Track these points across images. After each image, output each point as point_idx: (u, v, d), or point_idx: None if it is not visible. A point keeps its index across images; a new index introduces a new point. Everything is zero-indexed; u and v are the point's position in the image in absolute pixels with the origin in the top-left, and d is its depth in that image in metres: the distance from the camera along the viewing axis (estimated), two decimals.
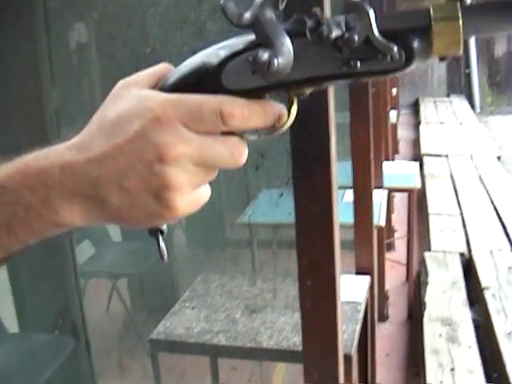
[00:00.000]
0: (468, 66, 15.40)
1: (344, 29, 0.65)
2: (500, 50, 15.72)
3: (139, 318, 4.74)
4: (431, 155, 9.35)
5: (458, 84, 15.59)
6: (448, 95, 15.19)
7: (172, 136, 0.62)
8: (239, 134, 0.66)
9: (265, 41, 0.65)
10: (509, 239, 5.83)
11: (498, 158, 9.37)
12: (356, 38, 0.64)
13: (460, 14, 0.65)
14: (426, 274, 5.16)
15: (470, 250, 5.62)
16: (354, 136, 3.73)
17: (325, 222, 1.76)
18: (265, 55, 0.64)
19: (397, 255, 6.29)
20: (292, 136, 1.73)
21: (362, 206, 3.70)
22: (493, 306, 4.58)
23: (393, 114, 8.92)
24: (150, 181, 0.62)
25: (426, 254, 5.59)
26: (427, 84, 15.29)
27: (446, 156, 9.28)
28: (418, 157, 9.48)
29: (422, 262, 5.48)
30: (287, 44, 0.65)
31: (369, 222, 3.78)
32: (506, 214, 6.53)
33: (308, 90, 0.69)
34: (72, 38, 4.07)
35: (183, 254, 5.21)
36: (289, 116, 0.69)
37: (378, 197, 4.91)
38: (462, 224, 6.34)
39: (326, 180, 1.69)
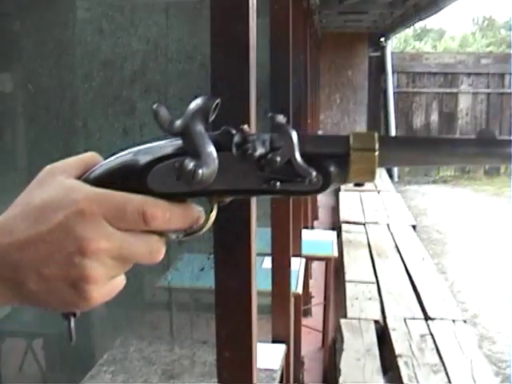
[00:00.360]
0: None
1: (268, 148, 0.70)
2: (418, 122, 16.34)
3: (55, 381, 4.65)
4: (349, 223, 9.58)
5: None
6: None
7: (94, 230, 0.65)
8: (159, 232, 0.69)
9: (192, 150, 0.69)
10: (422, 308, 6.01)
11: (414, 227, 9.68)
12: (278, 159, 0.69)
13: (377, 147, 0.71)
14: (342, 341, 5.27)
15: (384, 318, 5.77)
16: (275, 206, 3.84)
17: (243, 298, 1.83)
18: (190, 164, 0.68)
19: (313, 321, 6.38)
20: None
21: (280, 273, 3.78)
22: (405, 373, 4.70)
23: None
24: (68, 271, 0.65)
25: (342, 321, 5.71)
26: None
27: (364, 224, 9.53)
28: (336, 223, 9.70)
29: (338, 329, 5.59)
30: (213, 155, 0.69)
31: (286, 289, 3.86)
32: (420, 282, 6.74)
33: (228, 199, 0.75)
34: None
35: (102, 315, 5.17)
36: (208, 220, 0.73)
37: (296, 264, 5.00)
38: (377, 292, 6.51)
39: (246, 258, 1.77)
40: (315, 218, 9.99)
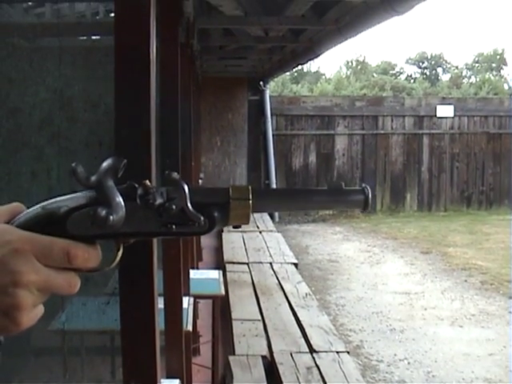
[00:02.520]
0: (268, 177, 16.25)
1: (165, 199, 0.87)
2: (297, 163, 16.77)
3: None
4: (233, 263, 9.72)
5: None
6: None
7: (26, 266, 0.78)
8: (76, 269, 0.84)
9: (104, 200, 0.84)
10: (307, 341, 6.20)
11: (295, 264, 9.93)
12: (174, 207, 0.87)
13: (250, 197, 0.91)
14: (231, 377, 5.37)
15: (271, 353, 5.92)
16: (166, 247, 3.94)
17: (147, 328, 1.93)
18: (103, 212, 0.83)
19: (202, 359, 6.45)
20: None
21: (172, 312, 3.88)
22: None
23: None
24: (2, 300, 0.77)
25: (230, 358, 5.81)
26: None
27: (248, 263, 9.70)
28: (221, 264, 9.82)
29: (227, 366, 5.68)
30: (121, 205, 0.85)
31: (178, 327, 3.95)
32: (304, 317, 6.95)
33: (132, 240, 0.91)
34: None
35: None
36: (115, 260, 0.89)
37: (185, 303, 5.11)
38: (263, 328, 6.66)
39: (150, 290, 1.89)
40: (200, 259, 10.08)
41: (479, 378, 6.74)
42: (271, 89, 18.24)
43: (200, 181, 11.55)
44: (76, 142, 3.49)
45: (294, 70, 23.73)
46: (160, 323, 3.81)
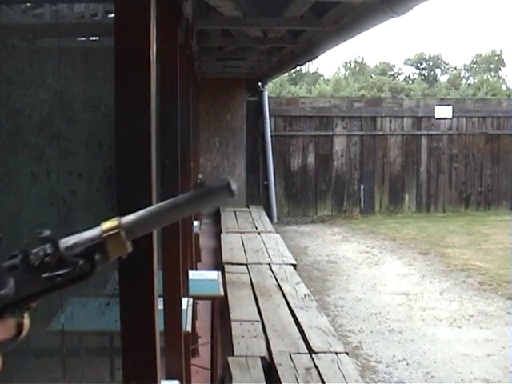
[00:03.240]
0: (266, 178, 16.26)
1: (43, 255, 0.91)
2: (295, 164, 16.78)
3: None
4: (232, 264, 9.73)
5: (257, 195, 16.36)
6: (247, 206, 15.84)
7: None
8: None
9: None
10: (306, 342, 6.21)
11: (294, 265, 9.94)
12: (52, 260, 0.91)
13: (119, 225, 0.94)
14: (230, 378, 5.37)
15: (270, 354, 5.93)
16: (166, 248, 3.95)
17: (147, 329, 1.93)
18: None
19: (201, 360, 6.45)
20: None
21: (172, 313, 3.88)
22: None
23: (196, 224, 9.27)
24: None
25: (229, 359, 5.82)
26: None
27: (246, 265, 9.71)
28: (219, 265, 9.83)
29: (226, 367, 5.69)
30: (7, 279, 0.89)
31: (178, 328, 3.95)
32: (303, 318, 6.96)
33: (33, 304, 0.94)
34: None
35: None
36: (22, 327, 0.92)
37: (184, 304, 5.11)
38: (262, 330, 6.67)
39: (150, 291, 1.89)
40: (198, 259, 10.09)
41: (478, 378, 6.74)
42: (269, 90, 18.25)
43: (199, 181, 11.53)
44: (76, 143, 3.50)
45: (293, 71, 23.76)
46: (159, 324, 3.81)
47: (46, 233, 0.93)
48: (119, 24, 1.85)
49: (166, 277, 3.90)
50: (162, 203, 1.00)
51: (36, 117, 3.41)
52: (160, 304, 4.04)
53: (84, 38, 4.77)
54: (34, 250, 0.92)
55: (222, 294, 6.34)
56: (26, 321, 0.92)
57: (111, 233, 0.94)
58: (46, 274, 0.91)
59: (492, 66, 41.60)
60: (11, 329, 0.87)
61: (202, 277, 6.65)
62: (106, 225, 0.94)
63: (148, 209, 1.00)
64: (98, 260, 0.93)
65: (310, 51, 8.73)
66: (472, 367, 7.02)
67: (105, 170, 3.62)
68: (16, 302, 0.90)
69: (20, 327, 0.90)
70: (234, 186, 1.00)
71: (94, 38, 4.95)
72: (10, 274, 0.90)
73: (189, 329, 4.81)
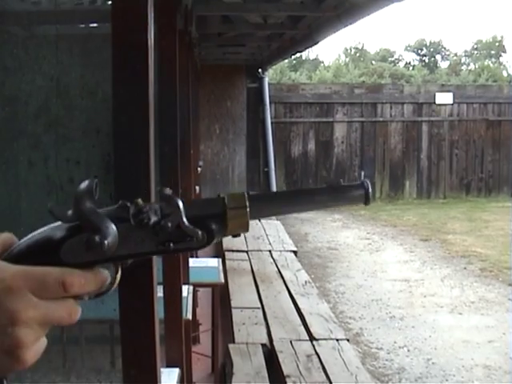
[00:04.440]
0: (267, 164, 16.23)
1: (160, 216, 0.84)
2: (296, 150, 16.75)
3: None
4: (232, 251, 9.73)
5: (258, 182, 16.35)
6: (248, 192, 15.80)
7: (22, 303, 0.75)
8: (74, 296, 0.81)
9: (92, 228, 0.82)
10: (307, 329, 6.21)
11: (295, 252, 9.95)
12: (169, 224, 0.84)
13: (247, 204, 0.89)
14: (231, 365, 5.38)
15: (271, 341, 5.93)
16: None
17: (147, 317, 1.92)
18: (96, 237, 0.81)
19: (202, 348, 6.46)
20: None
21: (172, 301, 3.87)
22: None
23: None
24: (3, 341, 0.74)
25: (230, 346, 5.83)
26: (228, 181, 15.90)
27: (247, 251, 9.71)
28: (220, 252, 9.83)
29: (227, 354, 5.70)
30: (112, 227, 0.82)
31: (178, 316, 3.94)
32: (304, 305, 6.96)
33: (130, 261, 0.88)
34: None
35: None
36: (115, 281, 0.87)
37: (185, 292, 5.10)
38: (263, 316, 6.67)
39: (149, 279, 1.87)
40: None
41: (479, 365, 6.75)
42: (270, 76, 18.19)
43: (199, 168, 11.54)
44: (73, 130, 3.47)
45: (293, 57, 23.69)
46: (159, 312, 3.80)
47: (168, 192, 0.86)
48: (116, 9, 1.82)
49: (165, 264, 3.89)
50: (291, 190, 0.97)
51: (33, 104, 3.38)
52: (160, 292, 4.04)
53: (82, 25, 4.73)
54: (149, 207, 0.84)
55: (223, 281, 6.33)
56: (118, 276, 0.87)
57: (237, 209, 0.89)
58: (159, 238, 0.85)
59: (493, 52, 41.50)
60: (101, 281, 0.83)
61: (202, 264, 6.64)
62: (233, 199, 0.89)
63: (275, 192, 0.96)
64: (216, 234, 0.88)
65: (311, 37, 8.68)
66: (473, 353, 7.03)
67: (103, 157, 3.59)
68: (116, 257, 0.84)
69: (111, 283, 0.86)
70: (369, 191, 0.95)
71: (93, 25, 4.91)
72: (116, 224, 0.83)
73: (189, 316, 4.81)
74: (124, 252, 0.84)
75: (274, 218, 12.88)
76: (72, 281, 0.79)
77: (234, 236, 0.91)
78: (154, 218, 0.84)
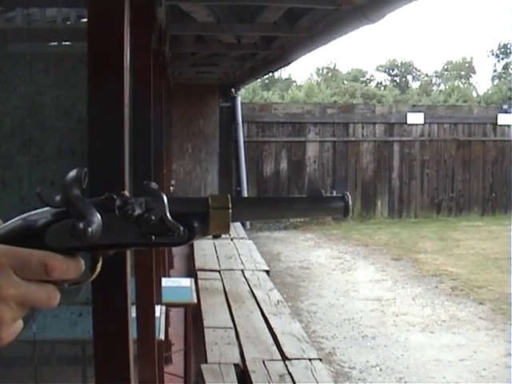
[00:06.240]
0: (239, 184, 16.24)
1: (144, 209, 0.87)
2: (268, 169, 16.78)
3: None
4: (205, 270, 9.70)
5: None
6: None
7: (4, 280, 0.77)
8: (54, 282, 0.82)
9: (78, 214, 0.83)
10: (279, 349, 6.20)
11: (267, 272, 9.93)
12: (153, 218, 0.86)
13: (230, 206, 0.91)
14: None
15: (244, 361, 5.91)
16: (138, 255, 3.91)
17: (121, 336, 1.91)
18: (80, 224, 0.82)
19: (174, 368, 6.41)
20: None
21: (145, 321, 3.84)
22: None
23: None
24: None
25: (203, 366, 5.79)
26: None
27: (219, 271, 9.68)
28: (192, 271, 9.79)
29: (199, 374, 5.66)
30: (97, 216, 0.84)
31: (151, 336, 3.92)
32: (276, 325, 6.95)
33: (111, 252, 0.90)
34: None
35: None
36: (94, 271, 0.88)
37: (158, 312, 5.07)
38: (235, 336, 6.64)
39: (123, 299, 1.87)
40: (171, 266, 10.04)
41: (450, 383, 6.78)
42: (242, 96, 18.23)
43: (171, 187, 11.52)
44: (48, 151, 3.46)
45: (265, 76, 23.78)
46: (133, 332, 3.77)
47: (154, 186, 0.88)
48: (92, 29, 1.83)
49: (138, 284, 3.87)
50: (273, 197, 0.99)
51: (7, 123, 3.37)
52: (133, 312, 4.01)
53: (56, 43, 4.72)
54: (134, 200, 0.86)
55: (196, 301, 6.30)
56: (99, 266, 0.88)
57: (219, 209, 0.91)
58: (141, 230, 0.87)
59: (463, 72, 42.05)
60: (81, 269, 0.83)
61: (175, 284, 6.61)
62: (216, 199, 0.91)
63: (258, 197, 0.98)
64: (197, 231, 0.90)
65: (284, 57, 8.74)
66: (445, 372, 7.06)
67: None
68: (98, 246, 0.86)
69: (92, 272, 0.87)
70: (349, 203, 0.96)
71: (67, 43, 4.91)
72: (101, 213, 0.84)
73: (162, 337, 4.78)
74: (106, 241, 0.86)
75: (246, 237, 12.88)
76: (54, 264, 0.80)
77: (214, 236, 0.94)
78: (138, 211, 0.86)
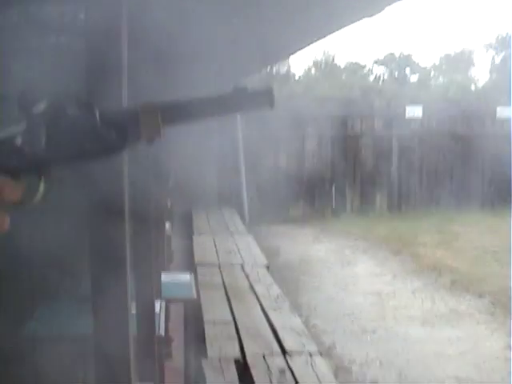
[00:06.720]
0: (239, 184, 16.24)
1: (77, 119, 0.89)
2: (266, 163, 16.75)
3: None
4: (204, 265, 9.69)
5: (229, 196, 16.31)
6: (219, 207, 15.78)
7: None
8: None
9: (28, 129, 0.86)
10: (279, 343, 6.19)
11: (267, 267, 9.92)
12: (86, 127, 0.89)
13: (159, 110, 0.94)
14: (204, 381, 5.34)
15: (244, 356, 5.90)
16: (138, 249, 3.90)
17: (121, 332, 1.91)
18: (20, 140, 0.85)
19: (174, 363, 6.41)
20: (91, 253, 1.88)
21: (145, 317, 3.85)
22: None
23: (168, 227, 9.21)
24: None
25: (203, 361, 5.78)
26: (199, 195, 15.82)
27: (219, 266, 9.67)
28: (191, 266, 9.79)
29: (200, 369, 5.65)
30: (41, 134, 0.86)
31: (151, 332, 3.93)
32: (276, 319, 6.94)
33: (52, 172, 0.91)
34: None
35: None
36: (39, 190, 0.90)
37: (157, 308, 5.07)
38: (235, 331, 6.63)
39: (123, 295, 1.86)
40: (170, 260, 10.04)
41: (451, 376, 6.79)
42: None
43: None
44: None
45: (263, 71, 23.70)
46: (133, 328, 3.77)
47: (85, 98, 0.91)
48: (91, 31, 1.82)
49: (138, 280, 3.87)
50: (202, 96, 1.02)
51: None
52: (132, 308, 4.01)
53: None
54: (71, 111, 0.89)
55: (195, 296, 6.30)
56: (42, 186, 0.89)
57: (149, 113, 0.93)
58: (79, 141, 0.89)
59: (461, 65, 42.01)
60: (22, 191, 0.84)
61: (174, 279, 6.62)
62: (145, 104, 0.94)
63: (186, 99, 1.01)
64: (130, 136, 0.93)
65: (282, 50, 8.71)
66: (445, 365, 7.07)
67: None
68: (39, 163, 0.88)
69: (33, 193, 0.87)
70: (274, 95, 1.00)
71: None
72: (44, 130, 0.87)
73: (162, 332, 4.78)
74: (46, 158, 0.88)
75: (245, 231, 12.88)
76: (2, 185, 0.81)
77: (148, 141, 0.95)
78: (70, 122, 0.89)
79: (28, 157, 0.85)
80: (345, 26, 5.92)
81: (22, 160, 0.85)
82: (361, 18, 5.28)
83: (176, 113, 0.98)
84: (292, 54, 8.60)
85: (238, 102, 1.02)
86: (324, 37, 6.70)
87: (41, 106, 0.88)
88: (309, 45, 7.53)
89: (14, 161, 0.84)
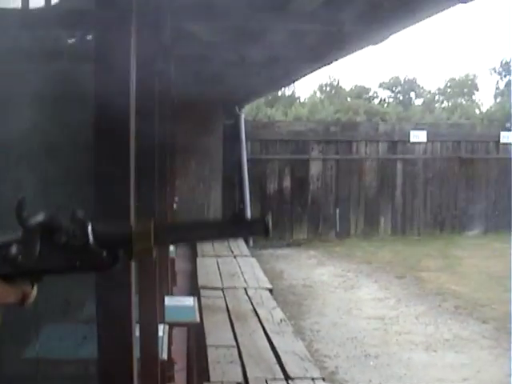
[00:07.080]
0: (242, 201, 16.23)
1: (71, 236, 0.92)
2: (271, 187, 16.78)
3: None
4: (208, 288, 9.69)
5: None
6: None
7: None
8: None
9: (22, 240, 0.90)
10: (282, 368, 6.18)
11: (270, 290, 9.92)
12: (77, 244, 0.92)
13: (152, 231, 0.95)
14: None
15: (246, 380, 5.89)
16: (142, 273, 3.92)
17: (125, 355, 1.92)
18: (13, 251, 0.89)
19: None
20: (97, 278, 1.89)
21: (148, 340, 3.85)
22: None
23: (172, 249, 9.22)
24: None
25: None
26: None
27: (222, 289, 9.67)
28: (195, 289, 9.79)
29: None
30: (34, 247, 0.91)
31: (154, 356, 3.93)
32: (279, 344, 6.93)
33: (43, 277, 0.96)
34: None
35: None
36: (30, 296, 0.95)
37: (160, 331, 5.07)
38: (238, 355, 6.63)
39: (128, 319, 1.88)
40: (174, 283, 10.03)
41: None
42: (246, 112, 18.24)
43: (175, 205, 11.53)
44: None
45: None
46: (136, 352, 3.77)
47: (80, 214, 0.93)
48: (99, 53, 1.85)
49: (141, 303, 3.87)
50: (197, 220, 1.04)
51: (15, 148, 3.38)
52: (136, 331, 4.01)
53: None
54: (65, 226, 0.92)
55: (199, 320, 6.30)
56: (34, 291, 0.93)
57: (141, 234, 0.94)
58: (67, 256, 0.92)
59: (466, 90, 42.10)
60: (19, 294, 0.89)
61: (178, 303, 6.62)
62: (140, 225, 0.95)
63: (182, 221, 1.03)
64: (120, 257, 0.94)
65: (288, 76, 8.78)
66: None
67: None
68: (31, 272, 0.92)
69: (27, 295, 0.92)
70: (270, 225, 1.05)
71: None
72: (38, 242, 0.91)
73: (165, 356, 4.78)
74: (38, 268, 0.92)
75: (248, 254, 12.88)
76: None
77: (138, 259, 0.99)
78: (64, 238, 0.92)
79: (21, 265, 0.89)
80: (351, 53, 5.98)
81: (15, 267, 0.90)
82: (366, 46, 5.34)
83: (169, 234, 1.00)
84: (297, 80, 8.66)
85: (233, 229, 1.04)
86: (331, 63, 6.76)
87: (38, 218, 0.92)
88: (315, 71, 7.60)
89: (7, 268, 0.89)
